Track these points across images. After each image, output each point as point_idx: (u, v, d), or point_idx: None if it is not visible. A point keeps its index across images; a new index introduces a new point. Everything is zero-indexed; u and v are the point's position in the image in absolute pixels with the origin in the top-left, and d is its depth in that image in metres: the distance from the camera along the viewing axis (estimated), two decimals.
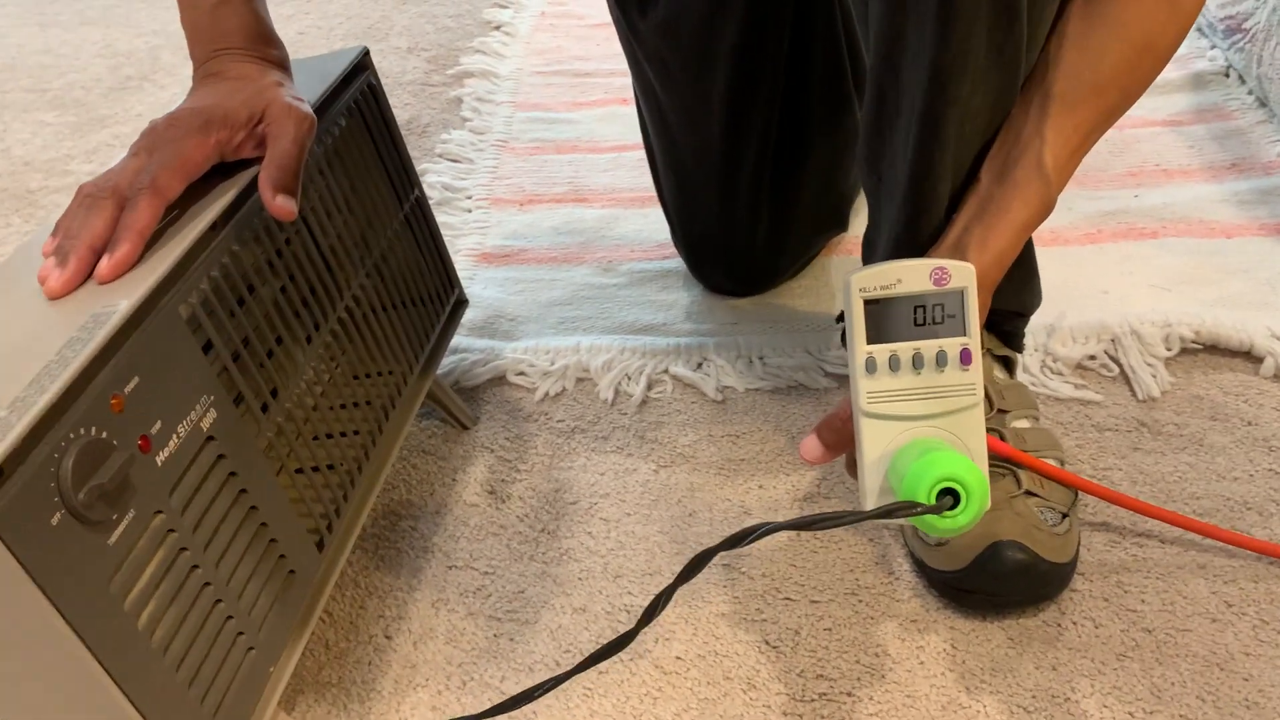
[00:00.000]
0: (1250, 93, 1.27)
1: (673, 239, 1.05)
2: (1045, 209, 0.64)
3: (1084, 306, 0.96)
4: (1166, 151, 1.19)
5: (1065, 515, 0.71)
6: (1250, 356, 0.89)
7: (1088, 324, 0.93)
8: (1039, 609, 0.70)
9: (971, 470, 0.51)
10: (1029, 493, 0.70)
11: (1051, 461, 0.75)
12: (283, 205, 0.58)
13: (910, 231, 0.69)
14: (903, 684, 0.67)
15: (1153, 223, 1.08)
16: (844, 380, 0.92)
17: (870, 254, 0.78)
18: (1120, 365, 0.90)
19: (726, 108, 0.90)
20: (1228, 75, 1.31)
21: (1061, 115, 0.62)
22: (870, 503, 0.57)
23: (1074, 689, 0.65)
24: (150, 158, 0.57)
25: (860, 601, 0.72)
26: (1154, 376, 0.88)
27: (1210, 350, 0.91)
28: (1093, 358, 0.91)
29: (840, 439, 0.61)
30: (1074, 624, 0.69)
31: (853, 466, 0.61)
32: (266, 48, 0.65)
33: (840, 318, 0.88)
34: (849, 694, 0.66)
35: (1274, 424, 0.83)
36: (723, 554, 0.75)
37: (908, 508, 0.52)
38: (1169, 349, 0.90)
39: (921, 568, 0.73)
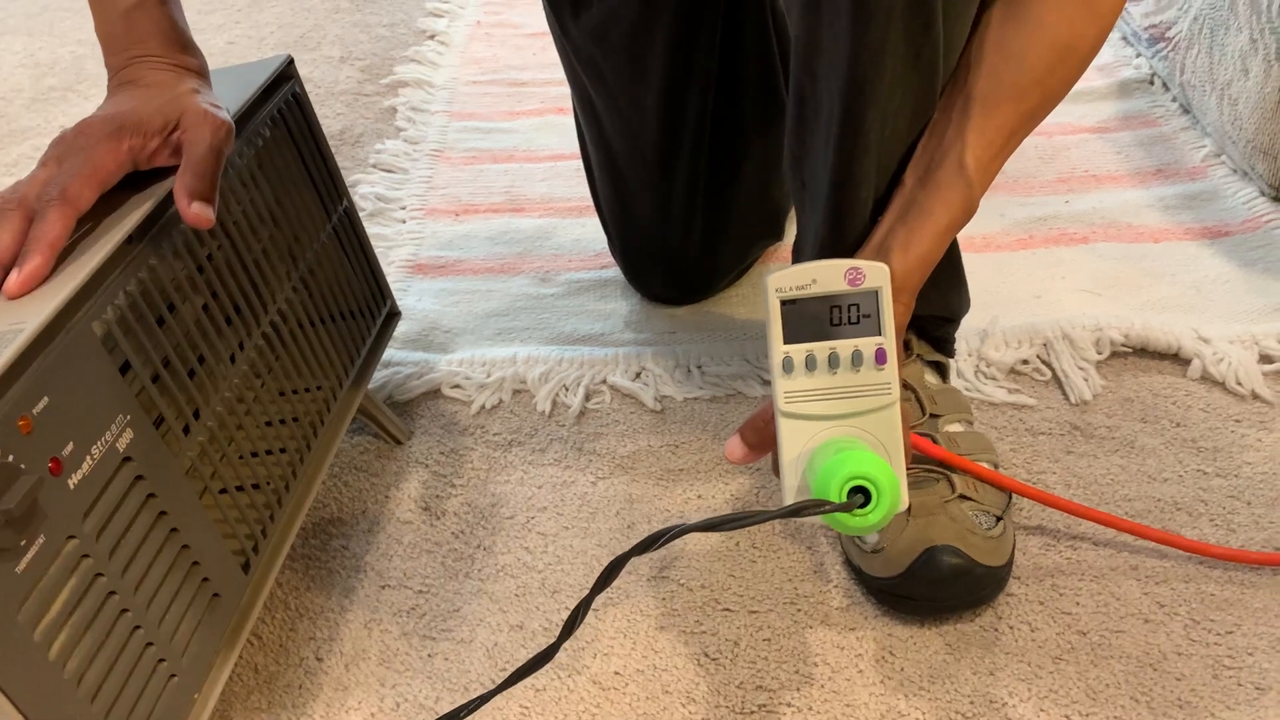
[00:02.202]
0: (1174, 100, 1.30)
1: (610, 248, 1.04)
2: (968, 211, 0.64)
3: (1016, 311, 0.97)
4: (1095, 158, 1.21)
5: (999, 519, 0.71)
6: (1178, 359, 0.91)
7: (1020, 328, 0.94)
8: (975, 614, 0.70)
9: (883, 469, 0.51)
10: (963, 496, 0.71)
11: (985, 465, 0.75)
12: (199, 212, 0.56)
13: (834, 235, 0.69)
14: (841, 693, 0.66)
15: (1083, 228, 1.09)
16: None
17: (799, 261, 0.78)
18: (1053, 369, 0.91)
19: (660, 112, 0.90)
20: (1152, 83, 1.34)
21: (983, 117, 0.63)
22: (789, 501, 0.57)
23: (1011, 693, 0.66)
24: (60, 167, 0.55)
25: (799, 610, 0.72)
26: (1086, 380, 0.89)
27: (1140, 353, 0.92)
28: (1025, 362, 0.92)
29: (762, 439, 0.62)
30: (1010, 628, 0.70)
31: (776, 471, 0.62)
32: (183, 55, 0.63)
33: None
34: (788, 704, 0.66)
35: (1201, 425, 0.84)
36: (660, 567, 0.75)
37: (817, 505, 0.52)
38: (1100, 352, 0.92)
39: (859, 575, 0.73)
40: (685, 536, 0.76)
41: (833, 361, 0.56)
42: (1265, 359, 0.89)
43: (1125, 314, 0.95)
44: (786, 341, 0.56)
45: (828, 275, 0.55)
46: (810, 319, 0.56)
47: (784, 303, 0.56)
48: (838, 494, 0.51)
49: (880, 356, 0.55)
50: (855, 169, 0.65)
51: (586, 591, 0.74)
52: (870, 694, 0.66)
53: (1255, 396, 0.86)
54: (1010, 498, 0.74)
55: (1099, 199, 1.14)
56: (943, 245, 0.64)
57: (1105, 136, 1.25)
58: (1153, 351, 0.92)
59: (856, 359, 0.55)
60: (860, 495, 0.51)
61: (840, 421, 0.56)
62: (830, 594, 0.73)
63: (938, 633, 0.70)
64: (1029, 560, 0.74)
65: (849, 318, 0.56)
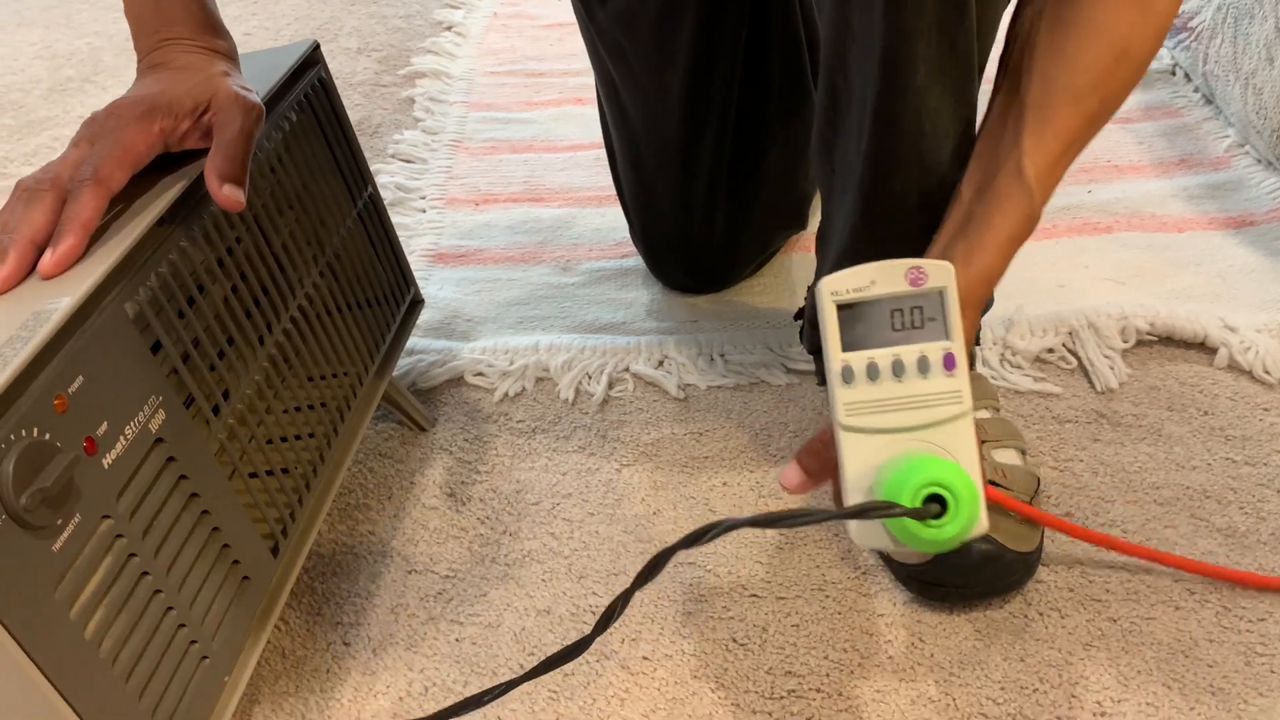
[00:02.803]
0: (1196, 90, 1.29)
1: (631, 236, 1.04)
2: (1030, 221, 0.60)
3: (1041, 300, 0.96)
4: (1117, 148, 1.20)
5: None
6: (1204, 347, 0.90)
7: (1045, 317, 0.94)
8: (1005, 601, 0.70)
9: (963, 478, 0.47)
10: (992, 483, 0.70)
11: (1013, 452, 0.75)
12: (230, 195, 0.56)
13: (867, 223, 0.68)
14: (871, 679, 0.66)
15: (1106, 218, 1.09)
16: (806, 376, 0.91)
17: (824, 249, 0.78)
18: (1078, 358, 0.90)
19: (684, 100, 0.90)
20: (1174, 73, 1.33)
21: (1039, 123, 0.60)
22: (853, 531, 0.52)
23: (1042, 680, 0.65)
24: (91, 148, 0.55)
25: (827, 597, 0.71)
26: (1111, 368, 0.88)
27: (1165, 342, 0.91)
28: (1051, 350, 0.91)
29: (822, 465, 0.57)
30: (1040, 615, 0.69)
31: (838, 498, 0.57)
32: (213, 38, 0.63)
33: (799, 314, 0.88)
34: (818, 690, 0.66)
35: (1229, 413, 0.84)
36: (688, 553, 0.75)
37: (884, 508, 0.47)
38: (1125, 341, 0.91)
39: (887, 561, 0.72)
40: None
41: (897, 369, 0.51)
42: None
43: (1150, 303, 0.94)
44: (845, 349, 0.51)
45: (887, 275, 0.50)
46: (870, 324, 0.51)
47: (840, 307, 0.51)
48: (910, 500, 0.47)
49: (949, 362, 0.50)
50: (890, 157, 0.64)
51: (613, 577, 0.74)
52: (900, 680, 0.66)
53: None
54: (1039, 484, 0.74)
55: (1122, 189, 1.13)
56: (1006, 258, 0.60)
57: (1127, 127, 1.25)
58: (1179, 340, 0.91)
59: (923, 366, 0.51)
60: (935, 504, 0.47)
61: (908, 434, 0.51)
62: (859, 581, 0.72)
63: (967, 619, 0.69)
64: (1058, 548, 0.73)
65: (912, 321, 0.51)
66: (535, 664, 0.68)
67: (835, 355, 0.51)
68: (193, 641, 0.54)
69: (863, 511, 0.48)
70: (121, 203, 0.56)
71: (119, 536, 0.50)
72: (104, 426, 0.49)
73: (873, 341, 0.51)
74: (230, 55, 0.64)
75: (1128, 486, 0.78)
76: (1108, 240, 1.05)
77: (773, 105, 0.93)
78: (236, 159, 0.57)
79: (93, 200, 0.53)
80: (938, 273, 0.51)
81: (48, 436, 0.46)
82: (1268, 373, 0.86)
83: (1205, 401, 0.85)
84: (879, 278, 0.51)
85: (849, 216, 0.70)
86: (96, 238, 0.54)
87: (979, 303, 0.61)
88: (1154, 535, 0.74)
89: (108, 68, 1.63)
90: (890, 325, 0.51)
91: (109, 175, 0.54)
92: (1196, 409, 0.84)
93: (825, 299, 0.51)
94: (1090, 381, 0.88)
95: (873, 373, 0.51)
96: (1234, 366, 0.88)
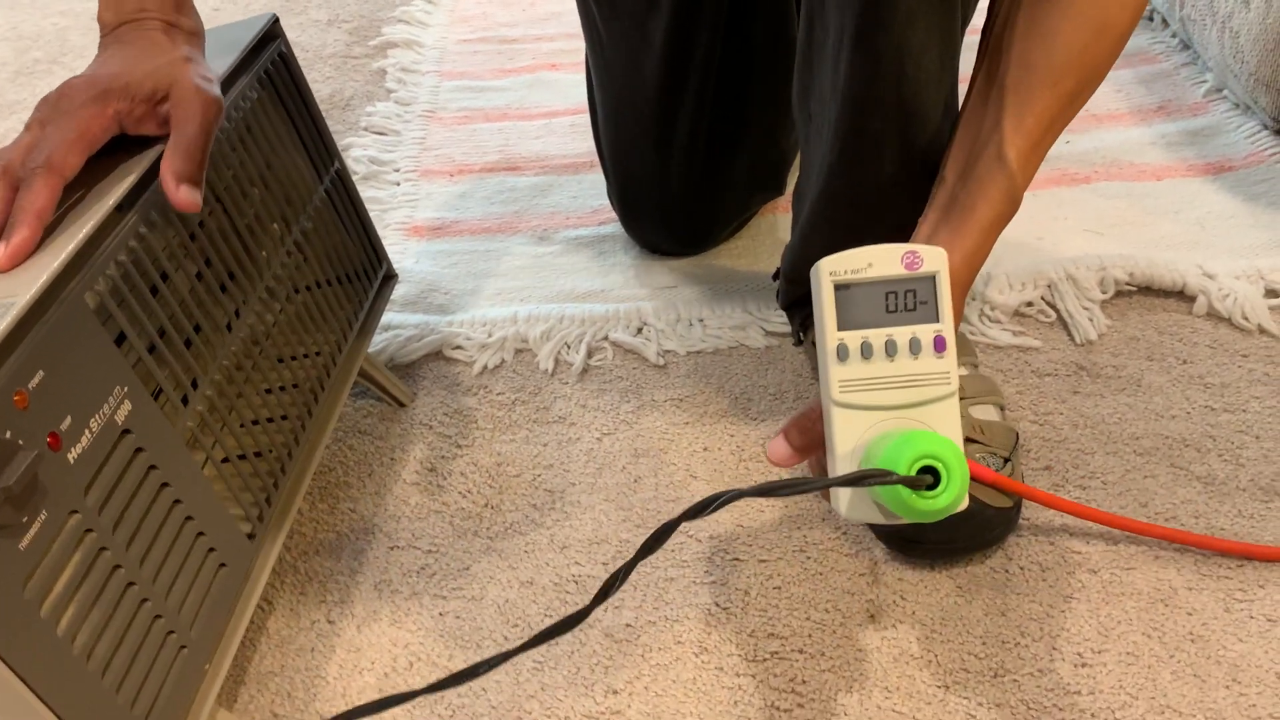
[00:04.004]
0: (1174, 35, 1.27)
1: (608, 193, 1.03)
2: (1012, 205, 0.61)
3: (1019, 254, 0.96)
4: (1095, 97, 1.19)
5: (1007, 460, 0.71)
6: (1183, 296, 0.90)
7: (1024, 270, 0.93)
8: (986, 556, 0.70)
9: (956, 453, 0.49)
10: (970, 439, 0.70)
11: (991, 408, 0.75)
12: (186, 197, 0.55)
13: (842, 163, 0.67)
14: (854, 638, 0.67)
15: (1084, 168, 1.08)
16: (784, 338, 0.91)
17: (800, 205, 0.77)
18: (1057, 310, 0.90)
19: (666, 49, 0.89)
20: (1151, 19, 1.32)
21: (1019, 106, 0.59)
22: (843, 503, 0.54)
23: (1023, 633, 0.66)
24: (44, 131, 0.54)
25: (808, 558, 0.72)
26: (1091, 320, 0.88)
27: (1144, 292, 0.91)
28: (1030, 304, 0.91)
29: (809, 440, 0.58)
30: (1021, 569, 0.69)
31: (821, 471, 0.59)
32: (178, 15, 0.61)
33: (777, 274, 0.87)
34: (800, 651, 0.66)
35: (1207, 361, 0.84)
36: (664, 518, 0.75)
37: (881, 475, 0.49)
38: (1104, 292, 0.91)
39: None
40: (699, 493, 0.76)
41: (890, 349, 0.52)
42: (1271, 293, 0.89)
43: (1129, 252, 0.94)
44: (841, 328, 0.53)
45: (884, 259, 0.52)
46: (865, 304, 0.53)
47: (838, 287, 0.53)
48: (906, 472, 0.49)
49: (939, 344, 0.53)
50: (868, 92, 0.63)
51: (595, 546, 0.74)
52: (883, 638, 0.66)
53: (1262, 331, 0.86)
54: (1017, 439, 0.74)
55: (1100, 138, 1.12)
56: (990, 241, 0.61)
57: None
58: (1157, 289, 0.91)
59: (914, 346, 0.52)
60: (929, 476, 0.49)
61: (897, 412, 0.53)
62: (839, 541, 0.73)
63: (948, 575, 0.69)
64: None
65: (905, 304, 0.53)
66: (520, 634, 0.68)
67: (831, 333, 0.53)
68: (170, 632, 0.54)
69: (861, 479, 0.50)
70: (78, 189, 0.55)
71: (88, 531, 0.49)
72: (68, 420, 0.49)
73: (867, 322, 0.53)
74: (196, 33, 0.63)
75: (1107, 438, 0.78)
76: (1086, 190, 1.05)
77: (756, 60, 0.92)
78: (194, 158, 0.56)
79: (46, 188, 0.52)
80: (932, 258, 0.53)
81: (9, 434, 0.45)
82: (1246, 319, 0.86)
83: (1184, 350, 0.85)
84: (876, 260, 0.53)
85: (825, 156, 0.69)
86: (53, 227, 0.53)
87: (964, 285, 0.62)
88: (1134, 485, 0.74)
89: (75, 48, 1.61)
90: (885, 307, 0.53)
91: (62, 161, 0.53)
92: (1175, 358, 0.84)
93: (824, 279, 0.53)
94: (1070, 334, 0.88)
95: (866, 351, 0.53)
96: (1213, 314, 0.88)
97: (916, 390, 0.53)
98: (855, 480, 0.49)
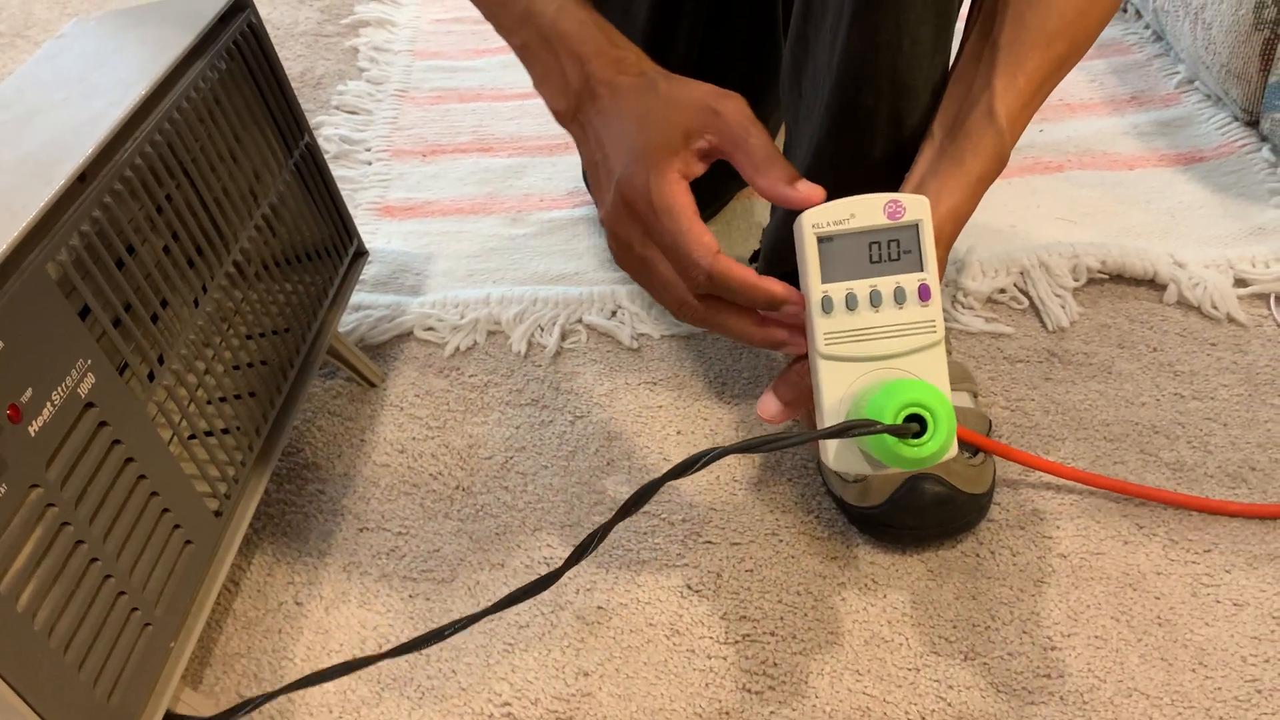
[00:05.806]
0: (1147, 26, 1.28)
1: (583, 176, 1.02)
2: (1000, 161, 0.61)
3: (993, 240, 0.96)
4: (1069, 86, 1.20)
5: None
6: (1154, 284, 0.91)
7: (997, 257, 0.93)
8: (957, 540, 0.71)
9: (942, 400, 0.49)
10: None
11: (964, 394, 0.75)
12: (808, 188, 0.54)
13: (833, 141, 0.67)
14: (825, 621, 0.67)
15: (1058, 157, 1.08)
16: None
17: None
18: (1030, 297, 0.90)
19: (648, 25, 0.88)
20: (1125, 10, 1.32)
21: (1011, 65, 0.60)
22: (831, 453, 0.53)
23: (994, 617, 0.66)
24: None
25: (781, 541, 0.71)
26: (1063, 307, 0.89)
27: (1116, 279, 0.92)
28: (1002, 291, 0.91)
29: (799, 394, 0.58)
30: (992, 553, 0.70)
31: (812, 424, 0.58)
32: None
33: (754, 257, 0.87)
34: (772, 634, 0.66)
35: (1177, 349, 0.84)
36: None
37: (866, 425, 0.49)
38: (1076, 279, 0.91)
39: (841, 505, 0.73)
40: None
41: (874, 299, 0.52)
42: (1240, 282, 0.89)
43: (1101, 241, 0.94)
44: (825, 280, 0.52)
45: (866, 209, 0.52)
46: (849, 256, 0.52)
47: (821, 239, 0.52)
48: (892, 420, 0.49)
49: (924, 293, 0.52)
50: (862, 68, 0.63)
51: (567, 528, 0.74)
52: (854, 621, 0.66)
53: (1230, 320, 0.86)
54: (990, 425, 0.74)
55: (1073, 127, 1.13)
56: (976, 197, 0.61)
57: (1079, 65, 1.24)
58: (1129, 278, 0.91)
59: (899, 296, 0.52)
60: (915, 424, 0.49)
61: (884, 362, 0.53)
62: (812, 525, 0.72)
63: (920, 560, 0.70)
64: (1010, 487, 0.74)
65: (889, 254, 0.52)
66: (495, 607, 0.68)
67: (815, 286, 0.53)
68: (134, 609, 0.53)
69: (846, 430, 0.49)
70: (39, 160, 0.54)
71: (50, 505, 0.48)
72: (29, 393, 0.48)
73: (851, 273, 0.53)
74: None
75: (1078, 424, 0.78)
76: (1059, 179, 1.05)
77: (737, 49, 0.92)
78: (776, 159, 0.55)
79: None
80: (915, 206, 0.52)
81: None
82: (1215, 308, 0.87)
83: (1155, 338, 0.86)
84: (858, 211, 0.52)
85: (815, 133, 0.69)
86: (12, 197, 0.51)
87: (949, 240, 0.61)
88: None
89: (39, 22, 1.57)
90: (868, 257, 0.53)
91: None
92: (1146, 345, 0.85)
93: (806, 231, 0.52)
94: (1042, 321, 0.88)
95: (851, 303, 0.52)
96: (1183, 302, 0.88)
97: (902, 340, 0.53)
98: (841, 431, 0.50)
